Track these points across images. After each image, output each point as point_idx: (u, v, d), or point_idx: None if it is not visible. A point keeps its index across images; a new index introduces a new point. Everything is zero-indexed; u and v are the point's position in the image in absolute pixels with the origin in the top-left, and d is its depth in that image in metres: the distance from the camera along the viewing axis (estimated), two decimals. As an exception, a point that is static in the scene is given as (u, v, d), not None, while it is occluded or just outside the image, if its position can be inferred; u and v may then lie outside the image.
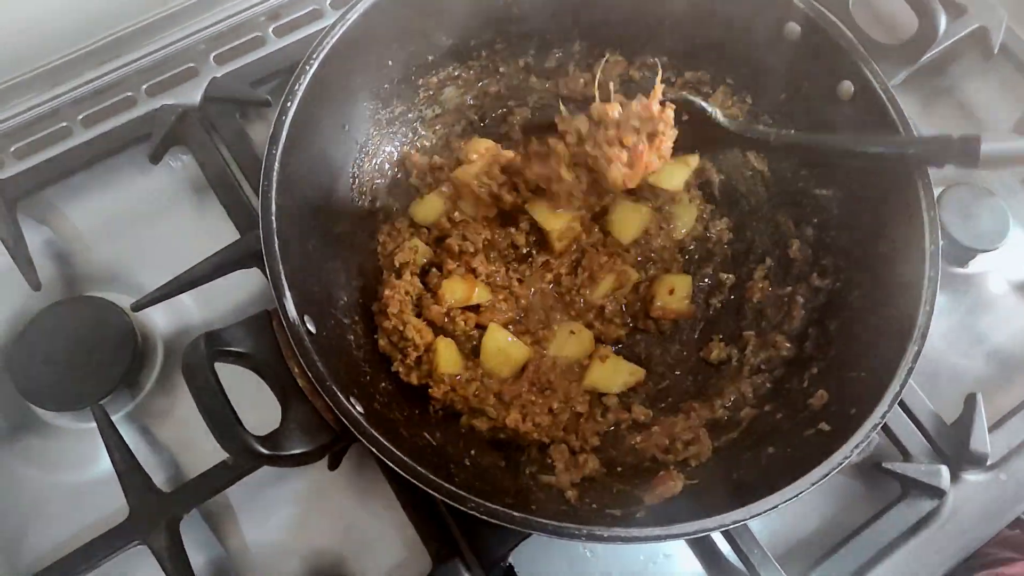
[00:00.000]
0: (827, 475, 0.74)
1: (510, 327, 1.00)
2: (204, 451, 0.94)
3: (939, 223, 0.84)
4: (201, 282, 1.00)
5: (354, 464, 0.98)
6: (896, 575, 0.93)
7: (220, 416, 0.72)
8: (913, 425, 1.00)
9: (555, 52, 1.10)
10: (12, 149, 1.13)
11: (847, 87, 0.93)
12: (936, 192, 0.88)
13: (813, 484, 0.74)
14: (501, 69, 1.10)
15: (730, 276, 1.06)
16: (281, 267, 0.78)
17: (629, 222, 1.05)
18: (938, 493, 0.96)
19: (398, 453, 0.73)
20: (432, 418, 0.94)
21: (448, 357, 0.94)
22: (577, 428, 0.95)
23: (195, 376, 0.73)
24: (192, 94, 1.15)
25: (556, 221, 1.01)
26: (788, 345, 0.97)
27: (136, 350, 1.00)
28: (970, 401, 1.00)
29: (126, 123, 1.14)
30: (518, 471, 0.91)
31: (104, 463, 0.94)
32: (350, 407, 0.74)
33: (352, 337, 0.91)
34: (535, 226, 1.03)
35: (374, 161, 1.04)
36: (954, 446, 0.98)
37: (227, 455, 0.91)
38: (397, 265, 1.00)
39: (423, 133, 1.10)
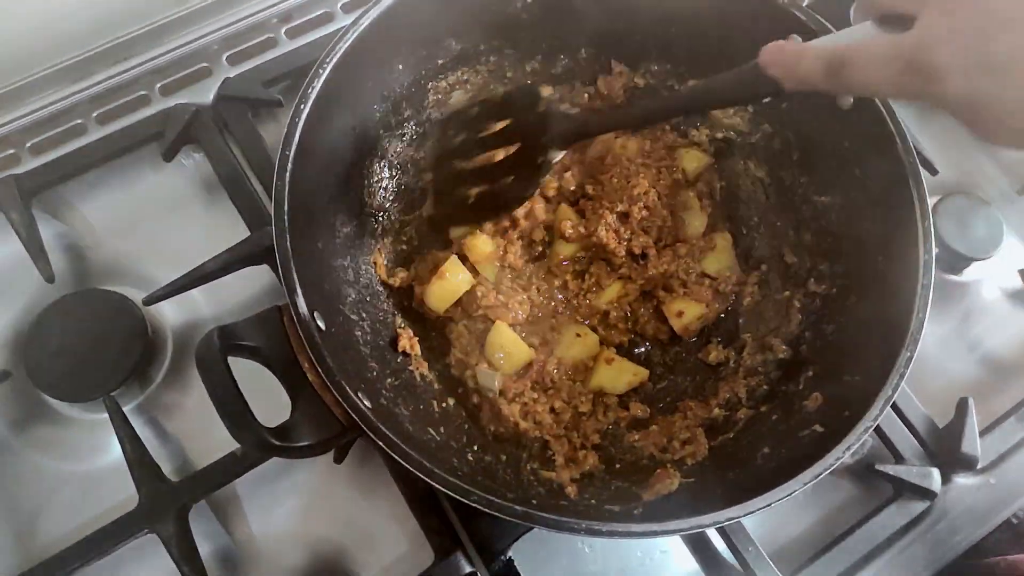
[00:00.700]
0: (820, 475, 0.76)
1: (518, 328, 1.02)
2: (212, 442, 0.97)
3: (934, 231, 0.86)
4: (212, 278, 1.02)
5: (359, 458, 1.00)
6: (887, 574, 0.96)
7: (233, 408, 0.74)
8: (906, 428, 1.02)
9: (562, 59, 1.13)
10: (28, 144, 1.15)
11: (847, 98, 0.95)
12: (932, 201, 0.90)
13: (806, 484, 0.76)
14: (508, 74, 1.12)
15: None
16: (293, 265, 0.80)
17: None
18: (929, 495, 0.98)
19: (404, 447, 0.75)
20: (436, 415, 0.96)
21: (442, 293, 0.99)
22: (579, 426, 0.97)
23: (209, 369, 0.75)
24: (205, 94, 1.18)
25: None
26: (784, 348, 0.99)
27: (147, 343, 1.02)
28: (962, 405, 1.02)
29: (140, 121, 1.16)
30: (519, 467, 0.93)
31: (115, 453, 0.96)
32: (358, 401, 0.76)
33: (360, 333, 0.94)
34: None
35: (383, 162, 1.07)
36: (945, 449, 1.00)
37: (236, 447, 0.94)
38: None
39: (432, 135, 1.12)
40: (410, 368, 0.98)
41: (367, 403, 0.78)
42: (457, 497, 0.73)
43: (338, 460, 0.94)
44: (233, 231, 1.06)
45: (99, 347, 1.01)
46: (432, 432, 0.90)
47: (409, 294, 1.04)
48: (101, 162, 1.14)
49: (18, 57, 1.16)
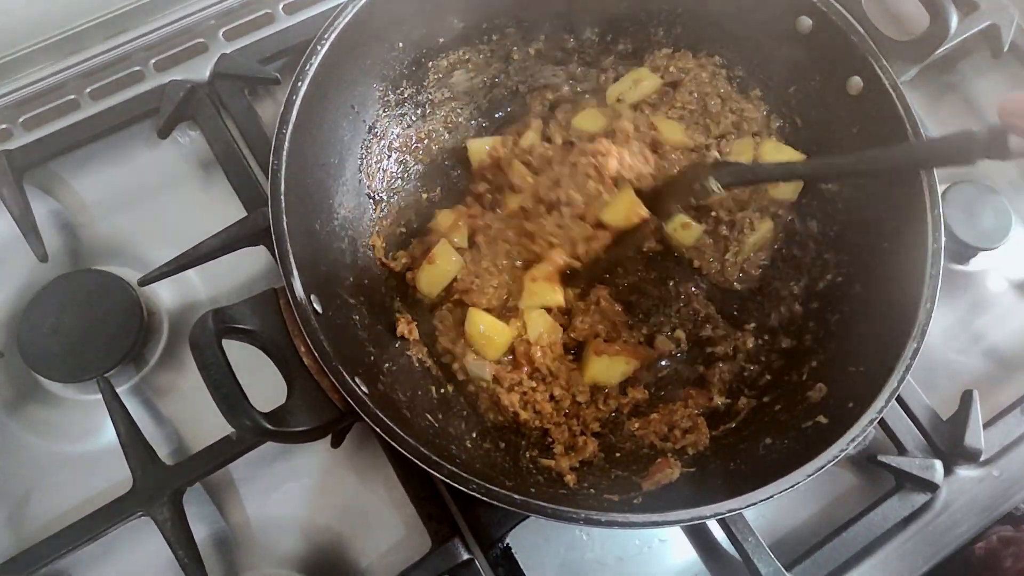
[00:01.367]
0: (823, 467, 0.75)
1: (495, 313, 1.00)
2: (208, 425, 0.96)
3: (942, 221, 0.85)
4: (207, 258, 1.00)
5: (356, 443, 0.99)
6: (888, 566, 0.95)
7: (227, 392, 0.73)
8: (909, 420, 1.01)
9: (567, 39, 1.10)
10: (21, 120, 1.13)
11: (856, 82, 0.93)
12: (940, 189, 0.89)
13: (809, 476, 0.75)
14: (512, 54, 1.10)
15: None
16: (289, 247, 0.79)
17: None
18: (931, 487, 0.97)
19: (401, 433, 0.74)
20: (435, 400, 0.94)
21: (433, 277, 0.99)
22: (579, 413, 0.96)
23: (203, 352, 0.74)
24: (201, 70, 1.15)
25: None
26: (787, 338, 0.97)
27: (142, 324, 1.01)
28: (966, 397, 1.01)
29: (134, 97, 1.13)
30: (518, 454, 0.92)
31: (109, 435, 0.95)
32: (355, 386, 0.75)
33: (357, 317, 0.92)
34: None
35: (382, 143, 1.05)
36: (949, 441, 0.99)
37: (231, 430, 0.93)
38: None
39: (431, 116, 1.10)
40: (408, 353, 0.97)
41: (364, 388, 0.77)
42: (455, 485, 0.72)
43: (335, 444, 0.93)
44: (229, 211, 1.05)
45: (94, 328, 1.00)
46: (430, 418, 0.89)
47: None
48: (95, 139, 1.12)
49: (9, 30, 1.14)
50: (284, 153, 0.82)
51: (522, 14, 1.06)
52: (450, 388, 0.97)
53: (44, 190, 1.11)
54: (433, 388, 0.96)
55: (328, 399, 0.77)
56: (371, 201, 1.03)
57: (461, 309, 0.99)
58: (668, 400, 0.99)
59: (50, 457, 0.99)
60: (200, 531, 0.93)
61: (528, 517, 0.91)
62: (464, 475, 0.72)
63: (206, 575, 0.87)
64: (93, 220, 1.11)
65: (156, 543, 0.88)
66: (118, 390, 0.96)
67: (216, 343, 0.74)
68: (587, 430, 0.94)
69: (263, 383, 0.81)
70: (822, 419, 0.83)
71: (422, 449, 0.73)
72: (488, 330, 0.96)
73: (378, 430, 0.73)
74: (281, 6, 1.21)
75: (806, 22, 0.95)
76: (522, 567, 0.92)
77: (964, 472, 1.00)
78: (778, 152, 1.04)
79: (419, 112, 1.09)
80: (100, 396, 0.94)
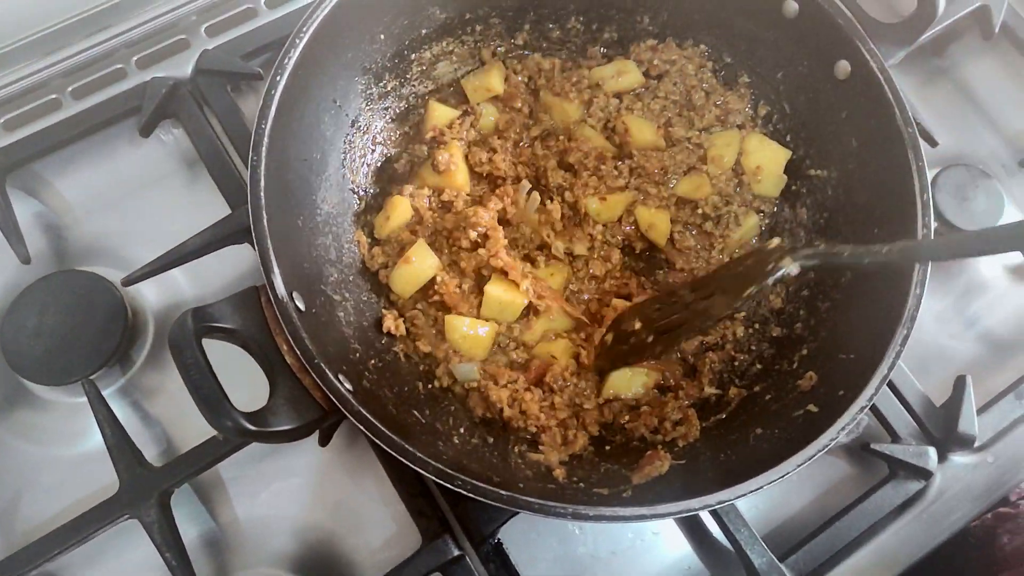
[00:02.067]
0: (814, 456, 0.75)
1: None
2: (195, 426, 0.93)
3: (933, 205, 0.84)
4: (192, 257, 0.99)
5: (345, 440, 0.99)
6: (882, 554, 0.94)
7: (207, 392, 0.72)
8: (902, 406, 1.00)
9: (552, 28, 1.09)
10: (2, 120, 1.11)
11: (844, 66, 0.92)
12: (932, 174, 0.88)
13: (799, 465, 0.74)
14: (496, 45, 1.09)
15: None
16: (270, 243, 0.78)
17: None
18: (925, 474, 0.96)
19: (386, 431, 0.73)
20: (422, 396, 0.94)
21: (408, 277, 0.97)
22: (579, 415, 0.94)
23: (182, 353, 0.73)
24: (183, 66, 1.14)
25: None
26: (777, 326, 0.96)
27: (127, 325, 1.00)
28: (959, 383, 1.00)
29: (116, 95, 1.12)
30: (507, 448, 0.91)
31: (95, 437, 0.94)
32: (338, 385, 0.74)
33: (342, 314, 0.91)
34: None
35: (366, 137, 1.03)
36: (942, 428, 0.99)
37: (217, 430, 0.92)
38: None
39: (415, 109, 1.09)
40: (395, 349, 0.96)
41: (348, 386, 0.76)
42: (441, 482, 0.71)
43: (323, 443, 0.92)
44: (214, 209, 1.04)
45: (78, 329, 0.99)
46: (417, 414, 0.88)
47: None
48: (77, 138, 1.11)
49: (-12, 29, 1.12)
50: (264, 148, 0.81)
51: (505, 3, 1.05)
52: (437, 383, 0.96)
53: (27, 191, 1.10)
54: (420, 384, 0.95)
55: (311, 398, 0.76)
56: (355, 196, 1.02)
57: (435, 309, 0.98)
58: (659, 392, 0.98)
59: (37, 461, 0.98)
60: (189, 531, 0.93)
61: (518, 512, 0.90)
62: (451, 472, 0.71)
63: (194, 577, 0.86)
64: (76, 220, 1.10)
65: (145, 545, 0.88)
66: (104, 392, 0.96)
67: (196, 343, 0.73)
68: (584, 430, 0.93)
69: (246, 382, 0.80)
70: (813, 408, 0.82)
71: (407, 447, 0.72)
72: (471, 329, 0.95)
73: (362, 428, 0.73)
74: (263, 1, 1.20)
75: (792, 6, 0.94)
76: (514, 562, 0.92)
77: (958, 459, 0.99)
78: (762, 146, 1.03)
79: (403, 105, 1.07)
80: (86, 398, 0.93)
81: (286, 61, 0.85)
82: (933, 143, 1.14)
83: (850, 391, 0.78)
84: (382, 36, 0.99)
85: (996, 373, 1.07)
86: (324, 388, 0.73)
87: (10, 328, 0.98)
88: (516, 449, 0.90)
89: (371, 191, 1.04)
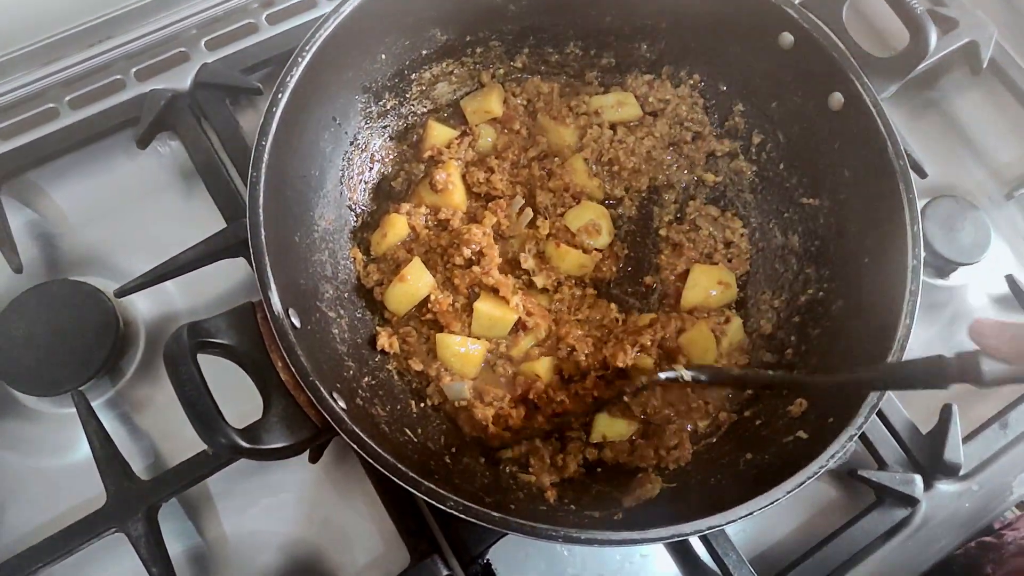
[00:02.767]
0: (803, 483, 0.75)
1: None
2: (185, 440, 0.93)
3: (922, 236, 0.85)
4: (186, 270, 0.99)
5: (335, 457, 0.98)
6: (868, 581, 0.95)
7: (201, 408, 0.71)
8: (889, 434, 1.01)
9: (551, 52, 1.10)
10: (-2, 129, 1.11)
11: (837, 98, 0.93)
12: (920, 204, 0.89)
13: (789, 492, 0.75)
14: (496, 68, 1.10)
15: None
16: (267, 260, 0.78)
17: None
18: (911, 501, 0.97)
19: (378, 450, 0.73)
20: (414, 415, 0.94)
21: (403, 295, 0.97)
22: (565, 445, 0.95)
23: (177, 367, 0.72)
24: (182, 79, 1.14)
25: None
26: (768, 352, 0.97)
27: (118, 336, 0.99)
28: (945, 412, 1.01)
29: (114, 106, 1.12)
30: (498, 469, 0.91)
31: (83, 449, 0.93)
32: (332, 403, 0.74)
33: (337, 331, 0.91)
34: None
35: (364, 155, 1.04)
36: (928, 456, 1.00)
37: (208, 445, 0.91)
38: None
39: (414, 128, 1.10)
40: (388, 367, 0.96)
41: (341, 404, 0.76)
42: (432, 502, 0.71)
43: (313, 459, 0.91)
44: (209, 222, 1.04)
45: (68, 340, 0.98)
46: (409, 433, 0.88)
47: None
48: (74, 148, 1.10)
49: (-13, 37, 1.12)
50: (263, 165, 0.81)
51: (505, 27, 1.06)
52: (429, 402, 0.96)
53: (21, 200, 1.10)
54: (413, 403, 0.95)
55: (305, 415, 0.76)
56: (352, 213, 1.02)
57: (427, 327, 0.99)
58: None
59: (24, 471, 0.97)
60: (176, 547, 0.92)
61: (508, 533, 0.90)
62: (442, 492, 0.71)
63: (180, 592, 0.86)
64: (70, 230, 1.09)
65: (131, 559, 0.87)
66: (93, 403, 0.95)
67: (191, 358, 0.73)
68: (566, 472, 0.92)
69: (240, 398, 0.79)
70: (802, 434, 0.83)
71: (399, 466, 0.72)
72: (462, 347, 0.96)
73: (355, 447, 0.73)
74: (264, 16, 1.20)
75: (788, 38, 0.96)
76: (502, 583, 0.92)
77: (944, 487, 1.00)
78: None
79: (402, 124, 1.08)
80: (75, 410, 0.93)
81: (288, 79, 0.85)
82: (923, 174, 1.15)
83: (840, 418, 0.79)
84: (383, 56, 1.00)
85: (981, 402, 1.08)
86: (318, 406, 0.73)
87: (0, 337, 0.97)
88: (507, 470, 0.91)
89: (368, 208, 1.05)
